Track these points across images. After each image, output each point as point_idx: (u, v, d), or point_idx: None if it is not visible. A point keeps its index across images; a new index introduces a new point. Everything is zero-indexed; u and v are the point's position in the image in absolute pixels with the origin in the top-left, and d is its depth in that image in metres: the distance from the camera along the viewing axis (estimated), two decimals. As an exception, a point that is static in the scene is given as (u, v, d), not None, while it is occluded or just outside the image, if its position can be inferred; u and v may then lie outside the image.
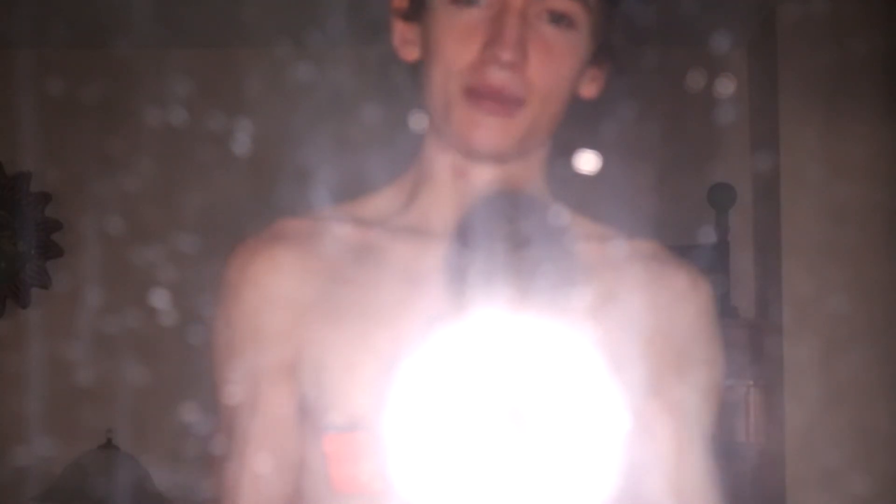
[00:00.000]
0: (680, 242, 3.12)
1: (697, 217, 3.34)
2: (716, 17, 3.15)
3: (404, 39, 1.14)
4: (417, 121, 1.12)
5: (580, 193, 1.27)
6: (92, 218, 3.37)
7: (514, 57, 1.05)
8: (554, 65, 1.08)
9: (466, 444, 1.07)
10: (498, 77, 1.06)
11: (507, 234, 1.10)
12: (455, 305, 1.09)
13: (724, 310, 3.24)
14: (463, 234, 1.11)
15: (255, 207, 3.19)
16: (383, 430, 1.07)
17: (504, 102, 1.07)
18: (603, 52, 1.14)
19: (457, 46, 1.07)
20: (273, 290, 1.13)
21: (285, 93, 3.28)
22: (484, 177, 1.12)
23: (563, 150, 1.21)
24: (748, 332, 3.21)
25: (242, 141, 3.32)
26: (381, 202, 1.18)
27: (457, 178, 1.13)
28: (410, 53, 1.14)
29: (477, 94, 1.07)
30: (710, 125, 3.39)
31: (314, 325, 1.11)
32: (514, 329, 1.08)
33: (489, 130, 1.08)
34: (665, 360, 1.14)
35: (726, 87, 3.37)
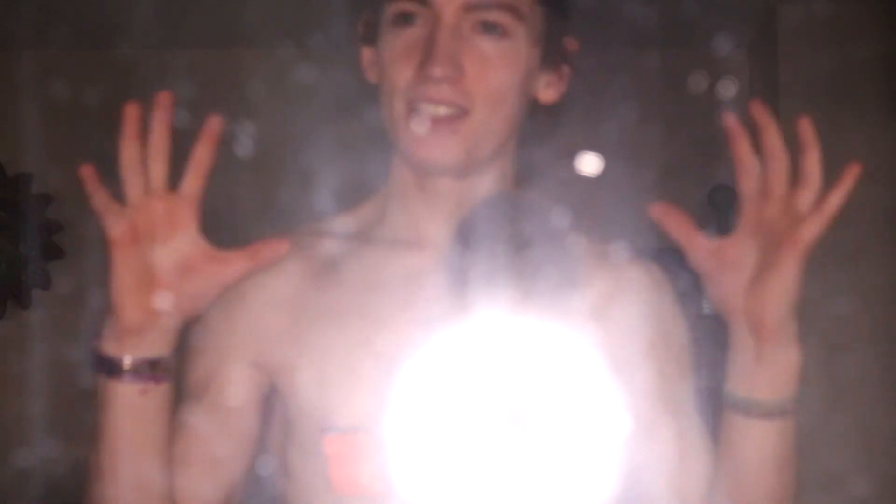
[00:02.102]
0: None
1: (699, 219, 3.33)
2: (717, 19, 3.15)
3: (368, 62, 1.17)
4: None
5: (582, 195, 1.27)
6: (93, 219, 3.36)
7: (446, 71, 1.08)
8: (492, 74, 1.10)
9: (467, 446, 1.07)
10: (435, 91, 1.08)
11: (508, 237, 1.11)
12: (456, 307, 1.09)
13: (725, 311, 3.23)
14: (464, 237, 1.11)
15: (256, 208, 3.20)
16: (384, 431, 1.07)
17: (445, 117, 1.09)
18: (553, 58, 1.16)
19: (398, 66, 1.10)
20: (272, 291, 1.14)
21: (288, 94, 3.28)
22: (447, 187, 1.13)
23: (565, 152, 1.21)
24: (749, 334, 3.20)
25: (244, 142, 3.32)
26: (376, 209, 1.19)
27: (420, 191, 1.15)
28: (374, 76, 1.16)
29: (417, 111, 1.09)
30: (711, 127, 3.39)
31: (313, 327, 1.12)
32: (515, 331, 1.08)
33: (433, 146, 1.10)
34: (666, 361, 1.14)
35: (727, 88, 3.37)
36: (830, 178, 1.00)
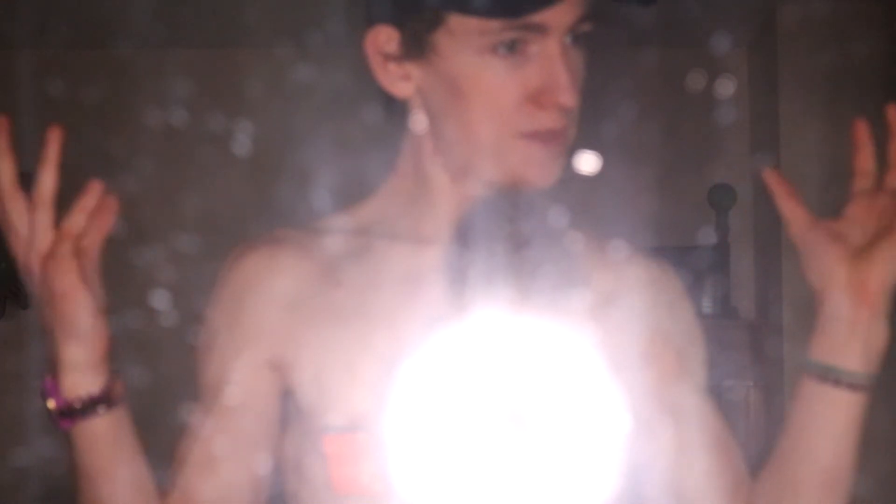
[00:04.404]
0: (680, 243, 3.12)
1: (698, 218, 3.34)
2: (716, 18, 3.15)
3: (397, 77, 1.11)
4: (417, 122, 1.12)
5: (580, 194, 1.27)
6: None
7: (575, 100, 1.07)
8: (580, 85, 1.10)
9: (467, 446, 1.07)
10: (558, 119, 1.07)
11: (508, 235, 1.11)
12: (455, 307, 1.09)
13: (725, 311, 3.24)
14: (463, 236, 1.11)
15: (255, 208, 3.20)
16: (384, 431, 1.07)
17: (560, 139, 1.08)
18: None
19: (502, 93, 1.07)
20: (271, 289, 1.14)
21: (286, 94, 3.28)
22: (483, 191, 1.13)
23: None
24: (748, 333, 3.21)
25: (243, 142, 3.32)
26: (376, 208, 1.18)
27: (455, 195, 1.13)
28: (405, 90, 1.12)
29: (533, 136, 1.07)
30: (710, 126, 3.39)
31: (313, 326, 1.12)
32: (514, 330, 1.08)
33: (546, 168, 1.09)
34: (665, 360, 1.14)
35: (726, 87, 3.37)
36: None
